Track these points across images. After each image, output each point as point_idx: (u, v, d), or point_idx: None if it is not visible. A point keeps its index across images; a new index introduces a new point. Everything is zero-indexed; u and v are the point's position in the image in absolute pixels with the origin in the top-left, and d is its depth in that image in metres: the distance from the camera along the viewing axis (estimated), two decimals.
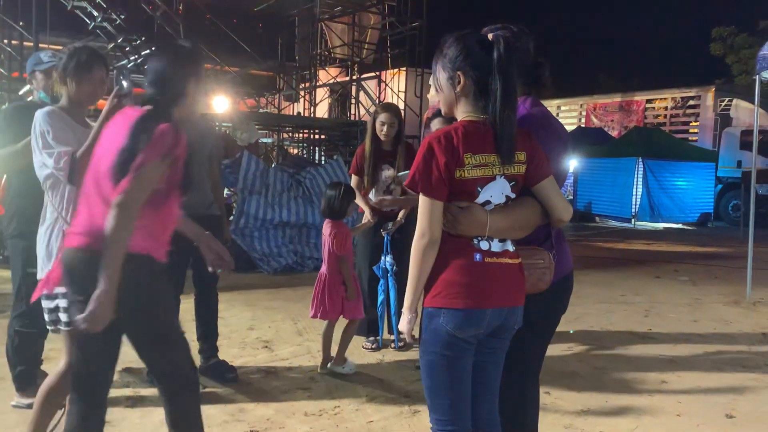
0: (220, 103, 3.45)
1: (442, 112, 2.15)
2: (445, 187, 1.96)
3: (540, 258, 2.16)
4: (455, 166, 1.95)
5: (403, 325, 2.07)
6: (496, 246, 2.02)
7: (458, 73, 2.02)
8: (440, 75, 2.07)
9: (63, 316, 2.65)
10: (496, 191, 2.01)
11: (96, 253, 2.12)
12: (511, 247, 2.06)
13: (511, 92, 1.98)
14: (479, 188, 1.99)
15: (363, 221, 4.45)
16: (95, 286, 2.11)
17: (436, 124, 4.37)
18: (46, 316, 2.73)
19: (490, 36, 2.02)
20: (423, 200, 1.97)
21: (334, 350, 4.20)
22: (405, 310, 2.05)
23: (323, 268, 4.14)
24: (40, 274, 2.68)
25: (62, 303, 2.64)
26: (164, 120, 2.20)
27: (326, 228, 4.11)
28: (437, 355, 2.02)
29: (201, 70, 2.41)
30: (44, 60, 3.37)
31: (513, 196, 2.05)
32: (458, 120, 2.06)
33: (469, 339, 2.01)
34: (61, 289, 2.58)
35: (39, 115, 2.70)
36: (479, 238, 2.00)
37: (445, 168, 1.94)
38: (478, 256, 1.99)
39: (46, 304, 2.70)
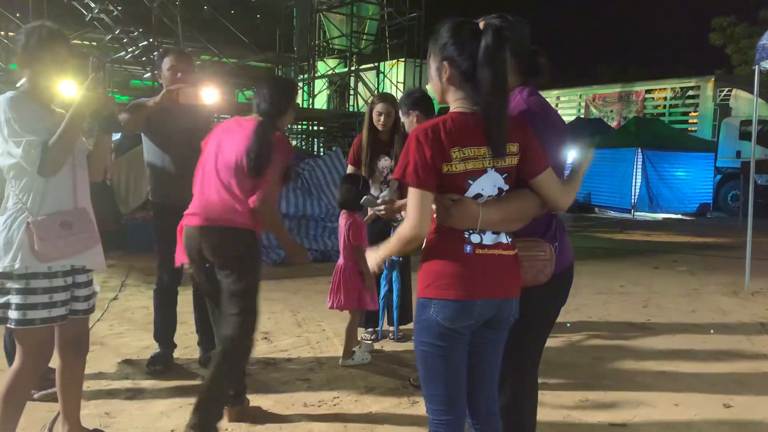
0: (210, 95, 3.43)
1: (437, 100, 2.13)
2: (434, 179, 1.93)
3: (541, 250, 2.15)
4: (442, 162, 1.92)
5: (370, 259, 2.19)
6: (488, 239, 2.00)
7: (445, 62, 1.99)
8: (431, 64, 2.05)
9: (13, 314, 2.52)
10: (488, 184, 1.99)
11: (222, 229, 2.93)
12: (505, 239, 2.04)
13: (501, 82, 1.94)
14: (470, 181, 1.96)
15: (369, 212, 4.45)
16: (211, 256, 2.96)
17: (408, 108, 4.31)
18: None
19: (481, 24, 1.98)
20: (412, 192, 1.95)
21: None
22: (378, 256, 2.14)
23: (340, 260, 4.17)
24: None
25: (15, 299, 2.52)
26: (275, 128, 3.01)
27: (342, 219, 4.15)
28: (430, 346, 2.02)
29: (296, 96, 3.25)
30: None
31: (507, 187, 2.03)
32: (450, 110, 2.03)
33: (460, 330, 2.00)
34: (14, 285, 2.50)
35: (2, 100, 2.52)
36: (470, 232, 1.99)
37: (431, 161, 1.92)
38: (468, 248, 1.98)
39: None
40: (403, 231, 1.98)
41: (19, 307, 2.51)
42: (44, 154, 2.48)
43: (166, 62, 3.81)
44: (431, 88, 2.14)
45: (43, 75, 2.60)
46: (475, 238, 1.98)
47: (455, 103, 2.02)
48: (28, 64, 2.60)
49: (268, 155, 2.89)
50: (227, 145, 2.99)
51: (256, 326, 3.07)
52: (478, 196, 1.99)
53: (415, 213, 1.94)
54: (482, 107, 1.94)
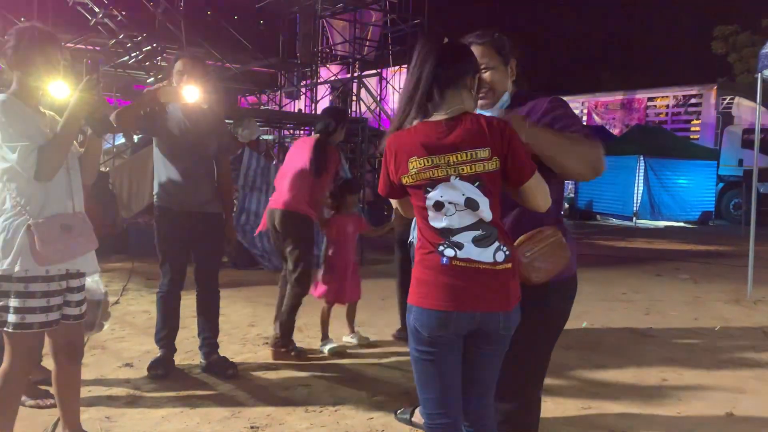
0: (190, 93, 3.46)
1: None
2: (397, 190, 2.06)
3: (551, 234, 2.13)
4: (401, 174, 2.00)
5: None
6: (466, 253, 1.94)
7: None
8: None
9: (11, 317, 2.50)
10: (450, 192, 1.95)
11: (288, 212, 4.30)
12: (490, 258, 1.96)
13: (424, 90, 1.97)
14: (428, 188, 1.97)
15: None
16: (288, 232, 4.32)
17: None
18: None
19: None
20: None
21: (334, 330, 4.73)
22: None
23: None
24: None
25: (13, 303, 2.50)
26: (328, 143, 4.37)
27: None
28: (417, 351, 2.05)
29: (345, 119, 4.59)
30: None
31: (486, 199, 1.95)
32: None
33: (439, 339, 1.99)
34: (12, 288, 2.48)
35: None
36: (444, 246, 1.96)
37: (392, 176, 2.04)
38: (444, 260, 1.96)
39: None
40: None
41: (18, 310, 2.49)
42: (40, 158, 2.45)
43: (176, 66, 3.87)
44: None
45: (34, 77, 2.57)
46: (449, 252, 1.96)
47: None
48: (18, 66, 2.56)
49: (324, 163, 4.25)
50: (297, 155, 4.41)
51: (306, 279, 4.39)
52: (439, 204, 1.96)
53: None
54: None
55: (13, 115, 2.49)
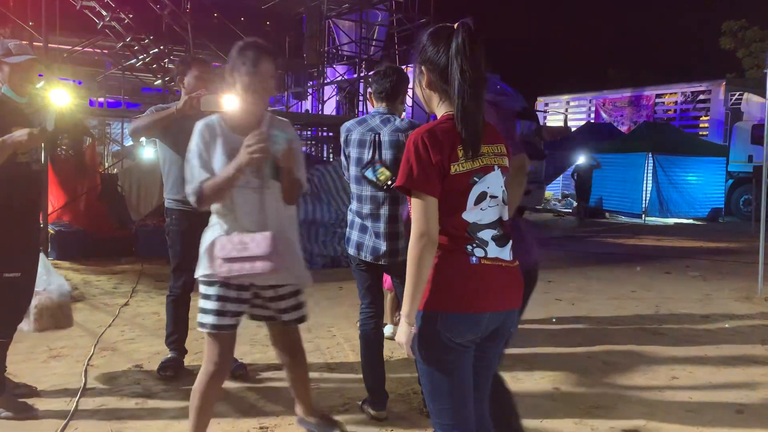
0: (230, 102, 3.50)
1: (426, 110, 2.07)
2: (439, 183, 1.87)
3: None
4: (449, 162, 1.87)
5: (401, 336, 1.92)
6: (492, 252, 1.94)
7: (422, 66, 1.96)
8: (415, 72, 2.02)
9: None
10: (495, 183, 1.95)
11: None
12: (507, 256, 1.98)
13: (474, 81, 1.87)
14: (475, 178, 1.91)
15: None
16: None
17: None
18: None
19: (455, 25, 1.92)
20: (419, 201, 1.86)
21: None
22: (404, 318, 1.91)
23: None
24: None
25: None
26: None
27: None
28: (436, 360, 1.93)
29: None
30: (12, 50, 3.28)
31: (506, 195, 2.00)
32: (440, 116, 1.98)
33: (466, 343, 1.94)
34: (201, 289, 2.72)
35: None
36: (472, 245, 1.92)
37: (439, 164, 1.86)
38: (474, 259, 1.91)
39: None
40: (412, 244, 1.85)
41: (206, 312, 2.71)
42: (195, 191, 2.74)
43: (193, 71, 3.84)
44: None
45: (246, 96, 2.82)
46: (478, 252, 1.92)
47: (441, 107, 1.97)
48: (234, 85, 2.82)
49: None
50: None
51: None
52: (482, 196, 1.92)
53: (421, 220, 1.85)
54: (454, 108, 1.89)
55: (206, 138, 2.79)
